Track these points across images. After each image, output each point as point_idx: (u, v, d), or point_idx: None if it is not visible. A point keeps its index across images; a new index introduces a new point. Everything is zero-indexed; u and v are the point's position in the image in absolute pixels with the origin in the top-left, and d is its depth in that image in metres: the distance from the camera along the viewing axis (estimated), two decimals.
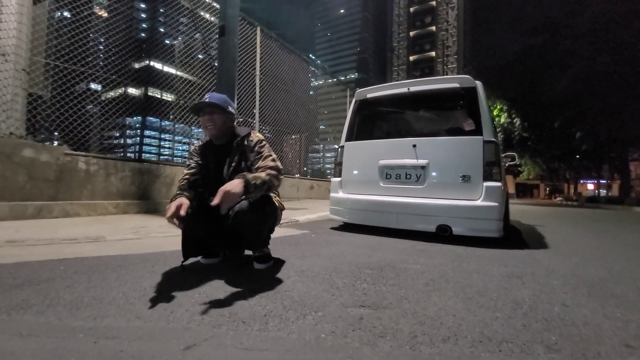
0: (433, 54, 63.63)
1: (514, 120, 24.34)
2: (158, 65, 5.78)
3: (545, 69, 20.02)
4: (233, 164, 1.80)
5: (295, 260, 2.08)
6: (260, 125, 7.05)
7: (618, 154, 20.93)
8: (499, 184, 2.92)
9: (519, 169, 31.30)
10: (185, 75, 5.88)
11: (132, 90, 5.40)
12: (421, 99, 3.56)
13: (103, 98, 5.06)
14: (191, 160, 1.89)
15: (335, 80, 13.85)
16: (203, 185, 1.80)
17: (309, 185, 9.05)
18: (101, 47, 5.20)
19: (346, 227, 3.79)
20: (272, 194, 1.89)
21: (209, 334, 1.00)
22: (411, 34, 66.70)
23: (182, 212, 1.48)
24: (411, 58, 66.75)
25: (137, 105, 5.03)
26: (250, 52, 6.79)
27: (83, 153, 3.87)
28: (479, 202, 2.89)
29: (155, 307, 1.20)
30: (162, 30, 5.84)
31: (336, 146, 4.08)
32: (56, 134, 4.34)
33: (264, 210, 1.70)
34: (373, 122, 3.92)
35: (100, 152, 4.69)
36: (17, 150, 3.23)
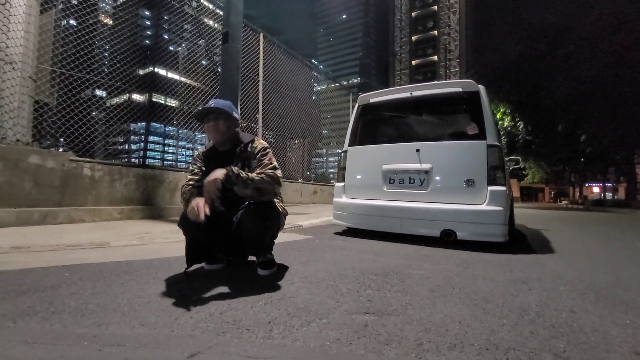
0: (435, 58, 63.76)
1: (518, 124, 24.26)
2: (162, 72, 5.84)
3: (547, 72, 19.98)
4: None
5: (299, 265, 2.08)
6: (263, 130, 7.08)
7: (624, 157, 20.75)
8: (503, 188, 2.90)
9: (523, 172, 31.13)
10: (189, 82, 5.93)
11: (137, 97, 5.45)
12: (424, 104, 3.57)
13: (108, 104, 5.10)
14: (194, 166, 1.87)
15: (337, 85, 13.90)
16: None
17: (312, 189, 9.06)
18: (106, 54, 5.27)
19: (350, 232, 3.78)
20: (275, 200, 1.90)
21: (213, 341, 0.99)
22: (413, 38, 66.96)
23: (207, 210, 1.49)
24: (413, 62, 66.95)
25: (142, 112, 5.06)
26: (253, 58, 6.85)
27: (88, 159, 3.90)
28: (483, 207, 2.88)
29: (160, 314, 1.19)
30: (166, 37, 5.90)
31: (339, 151, 4.08)
32: (62, 140, 4.39)
33: (267, 216, 1.70)
34: (376, 126, 3.92)
35: (105, 158, 4.73)
36: (24, 157, 3.26)
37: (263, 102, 7.02)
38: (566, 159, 24.13)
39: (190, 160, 1.99)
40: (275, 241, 1.97)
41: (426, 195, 3.17)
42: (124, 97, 5.14)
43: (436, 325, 1.17)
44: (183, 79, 5.93)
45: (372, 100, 3.80)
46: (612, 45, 15.96)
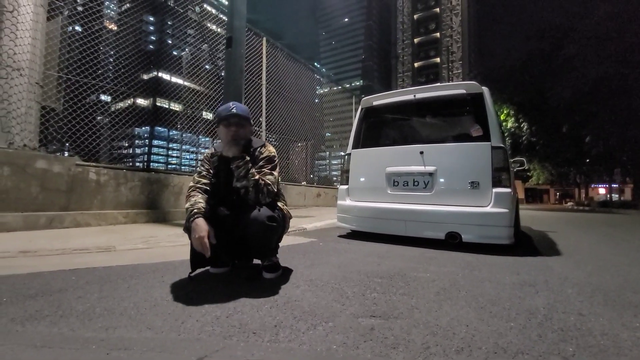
0: (438, 60, 63.72)
1: (522, 125, 24.12)
2: (166, 76, 5.89)
3: (552, 73, 19.88)
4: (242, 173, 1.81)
5: (304, 269, 2.08)
6: (267, 133, 7.11)
7: (630, 158, 20.55)
8: (508, 189, 2.89)
9: (528, 174, 30.92)
10: (193, 86, 5.98)
11: (141, 101, 5.50)
12: (427, 106, 3.56)
13: (113, 109, 5.16)
14: (202, 167, 1.87)
15: (340, 87, 13.93)
16: (212, 195, 1.79)
17: (315, 192, 9.06)
18: (111, 60, 5.33)
19: (354, 235, 3.77)
20: (280, 203, 1.90)
21: (220, 345, 1.00)
22: (415, 40, 67.00)
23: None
24: (416, 64, 66.94)
25: (146, 116, 5.11)
26: (256, 62, 6.89)
27: (94, 164, 3.93)
28: (488, 209, 2.86)
29: (166, 318, 1.20)
30: (170, 42, 5.96)
31: (342, 153, 4.08)
32: (68, 145, 4.43)
33: (273, 219, 1.70)
34: (379, 129, 3.92)
35: (110, 162, 4.77)
36: (31, 161, 3.30)
37: (266, 105, 7.05)
38: (571, 160, 23.94)
39: (200, 160, 1.98)
40: (280, 244, 1.98)
41: (431, 197, 3.16)
42: (129, 102, 5.19)
43: (443, 329, 1.16)
44: (187, 83, 5.98)
45: (375, 103, 3.80)
46: (617, 45, 15.86)
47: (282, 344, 1.02)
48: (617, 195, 30.93)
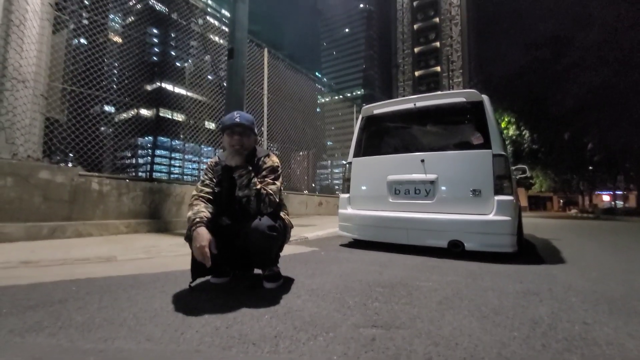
0: (438, 69, 64.20)
1: (523, 133, 24.14)
2: (169, 87, 5.96)
3: (552, 81, 19.97)
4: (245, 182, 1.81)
5: (305, 278, 2.06)
6: (268, 142, 7.15)
7: (633, 165, 20.47)
8: (510, 197, 2.88)
9: (531, 181, 30.82)
10: (195, 96, 6.04)
11: (144, 112, 5.55)
12: (428, 114, 3.58)
13: (116, 120, 5.21)
14: (206, 176, 1.87)
15: (341, 97, 14.03)
16: (215, 205, 1.79)
17: (317, 201, 9.05)
18: (115, 72, 5.40)
19: (356, 244, 3.75)
20: (282, 212, 1.90)
21: (219, 356, 0.99)
22: (415, 50, 67.64)
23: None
24: (416, 73, 67.45)
25: (149, 126, 5.15)
26: (258, 72, 6.96)
27: (97, 174, 3.96)
28: (490, 217, 2.84)
29: (166, 329, 1.19)
30: (173, 53, 6.05)
31: (344, 162, 4.09)
32: (71, 155, 4.46)
33: (273, 228, 1.70)
34: (380, 137, 3.93)
35: (113, 172, 4.80)
36: (34, 172, 3.32)
37: (268, 114, 7.10)
38: (574, 167, 23.87)
39: (203, 169, 1.98)
40: (281, 254, 1.97)
41: (432, 205, 3.15)
42: (132, 113, 5.24)
43: (445, 339, 1.14)
44: (189, 94, 6.04)
45: (376, 112, 3.82)
46: (617, 51, 15.94)
47: (282, 354, 1.01)
48: (621, 202, 30.69)
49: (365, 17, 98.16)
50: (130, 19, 5.41)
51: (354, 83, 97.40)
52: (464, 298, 1.67)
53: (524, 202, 43.63)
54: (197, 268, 1.72)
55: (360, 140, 3.84)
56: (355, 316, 1.37)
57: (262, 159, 1.87)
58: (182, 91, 6.07)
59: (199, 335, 1.14)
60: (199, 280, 1.81)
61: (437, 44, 64.66)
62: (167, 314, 1.36)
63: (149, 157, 5.69)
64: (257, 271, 2.01)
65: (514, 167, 4.06)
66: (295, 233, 3.91)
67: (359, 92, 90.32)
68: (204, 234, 1.55)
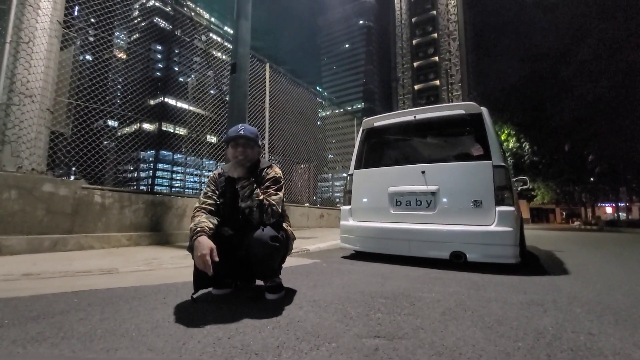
0: (437, 82, 64.97)
1: (523, 145, 24.24)
2: (172, 102, 6.05)
3: (551, 93, 20.19)
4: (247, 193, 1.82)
5: (307, 290, 2.05)
6: (270, 155, 7.20)
7: (635, 176, 20.45)
8: (512, 208, 2.88)
9: (532, 193, 30.73)
10: (198, 110, 6.12)
11: (147, 126, 5.62)
12: (428, 126, 3.62)
13: (119, 134, 5.28)
14: (209, 188, 1.88)
15: (342, 110, 14.19)
16: (218, 216, 1.80)
17: (318, 213, 9.03)
18: (119, 87, 5.50)
19: (357, 256, 3.73)
20: (284, 224, 1.91)
21: None
22: (415, 64, 68.62)
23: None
24: (416, 87, 68.24)
25: (151, 140, 5.21)
26: (260, 87, 7.08)
27: (99, 187, 3.98)
28: (492, 228, 2.84)
29: (168, 339, 1.18)
30: (176, 69, 6.17)
31: (345, 175, 4.12)
32: (74, 168, 4.50)
33: (276, 239, 1.71)
34: (381, 149, 3.96)
35: (115, 185, 4.82)
36: (38, 185, 3.35)
37: (269, 128, 7.18)
38: (576, 178, 23.84)
39: (206, 181, 2.00)
40: (283, 265, 1.96)
41: (434, 216, 3.15)
42: (135, 127, 5.31)
43: (449, 349, 1.14)
44: (192, 108, 6.13)
45: (376, 124, 3.87)
46: (615, 64, 16.15)
47: None
48: (624, 214, 30.48)
49: (365, 33, 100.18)
50: (135, 35, 5.55)
51: (355, 97, 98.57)
52: (467, 309, 1.66)
53: (526, 214, 43.33)
54: (200, 279, 1.72)
55: (361, 153, 3.87)
56: (358, 327, 1.36)
57: (265, 170, 1.89)
58: (185, 105, 6.16)
59: (201, 345, 1.13)
60: (201, 292, 1.81)
61: (436, 58, 65.64)
62: (169, 324, 1.35)
63: (151, 171, 5.73)
64: (259, 283, 2.00)
65: (514, 179, 4.07)
66: (296, 245, 3.90)
67: (359, 106, 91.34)
68: (205, 243, 1.56)
